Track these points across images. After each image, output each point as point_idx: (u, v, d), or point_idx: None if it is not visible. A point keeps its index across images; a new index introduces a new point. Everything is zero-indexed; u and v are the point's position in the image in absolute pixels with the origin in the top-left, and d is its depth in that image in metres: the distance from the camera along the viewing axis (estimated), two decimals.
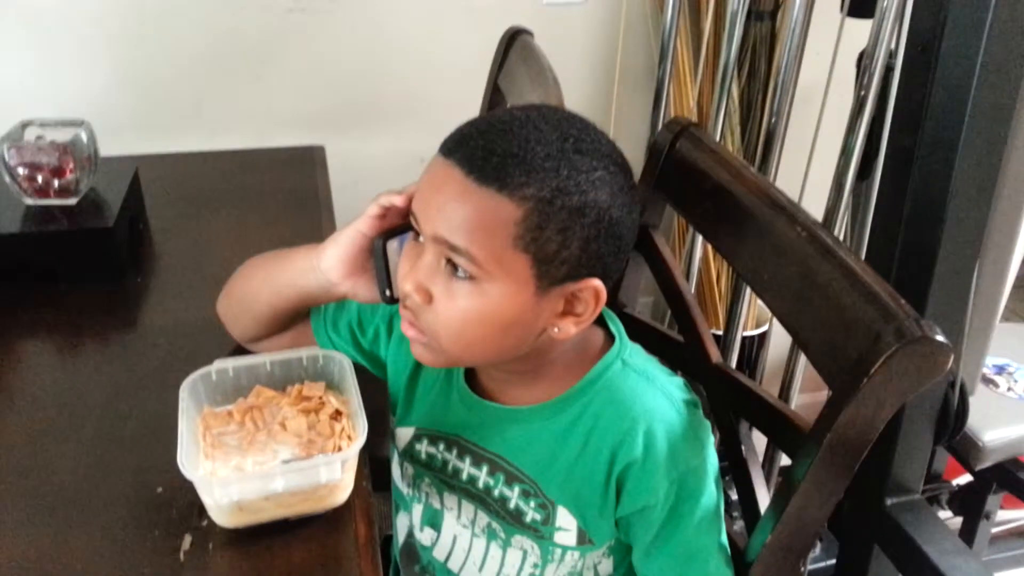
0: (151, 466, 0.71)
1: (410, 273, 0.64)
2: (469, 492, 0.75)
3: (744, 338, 1.64)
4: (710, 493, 0.69)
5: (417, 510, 0.80)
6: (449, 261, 0.62)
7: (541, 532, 0.72)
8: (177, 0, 1.36)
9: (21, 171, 0.96)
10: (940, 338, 0.59)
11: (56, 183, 0.97)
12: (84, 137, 0.99)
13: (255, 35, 1.42)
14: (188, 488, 0.64)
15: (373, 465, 0.74)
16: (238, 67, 1.44)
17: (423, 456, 0.77)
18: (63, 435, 0.76)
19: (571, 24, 1.52)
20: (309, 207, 1.18)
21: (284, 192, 1.23)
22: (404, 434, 0.79)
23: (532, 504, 0.71)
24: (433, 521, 0.78)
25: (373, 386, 0.80)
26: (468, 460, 0.74)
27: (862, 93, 1.15)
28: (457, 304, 0.63)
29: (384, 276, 0.69)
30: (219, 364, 0.72)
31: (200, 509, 0.65)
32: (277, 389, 0.73)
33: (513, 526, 0.73)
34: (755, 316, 1.70)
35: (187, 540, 0.64)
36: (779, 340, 1.69)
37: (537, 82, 1.13)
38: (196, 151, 1.31)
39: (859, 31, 1.19)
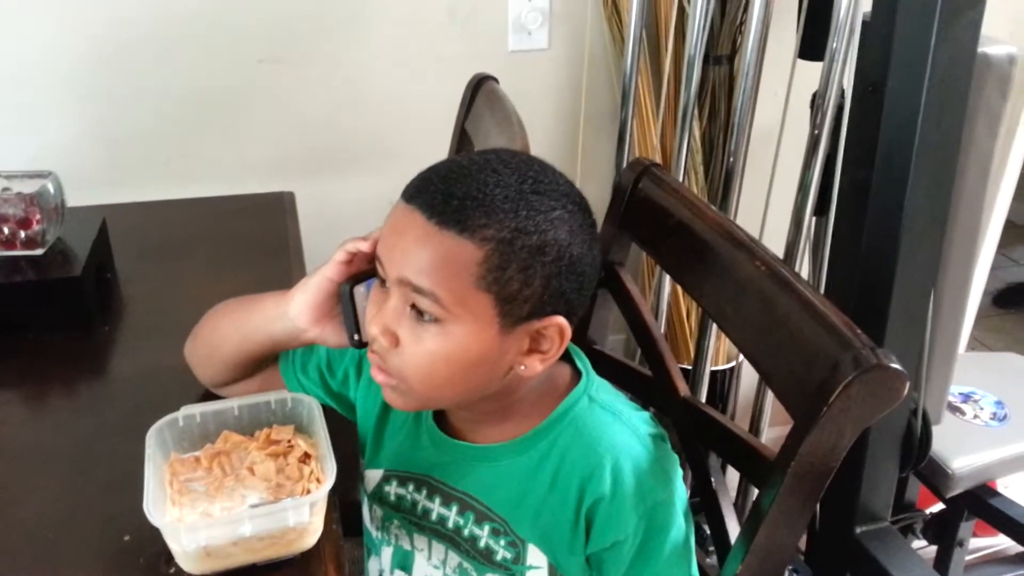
0: (119, 514, 0.70)
1: (376, 317, 0.65)
2: (439, 532, 0.74)
3: (715, 372, 1.66)
4: (679, 526, 0.69)
5: (387, 553, 0.79)
6: (414, 305, 0.63)
7: (512, 571, 0.72)
8: (148, 51, 1.38)
9: None
10: (896, 366, 0.61)
11: (23, 234, 0.97)
12: (51, 188, 0.99)
13: (226, 85, 1.44)
14: (156, 535, 0.63)
15: (345, 509, 0.74)
16: (209, 116, 1.45)
17: (392, 498, 0.77)
18: (30, 485, 0.75)
19: (536, 70, 1.56)
20: (278, 253, 1.18)
21: (253, 238, 1.23)
22: (373, 476, 0.79)
23: (502, 543, 0.71)
24: (403, 563, 0.78)
25: (344, 430, 0.81)
26: (438, 500, 0.74)
27: (816, 131, 1.19)
28: (423, 346, 0.63)
29: (352, 321, 0.70)
30: (186, 410, 0.71)
31: (168, 556, 0.64)
32: (245, 434, 0.72)
33: (484, 565, 0.73)
34: (725, 351, 1.72)
35: None
36: (749, 375, 1.71)
37: (503, 127, 1.15)
38: (165, 199, 1.31)
39: (812, 72, 1.24)
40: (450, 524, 0.74)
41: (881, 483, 1.08)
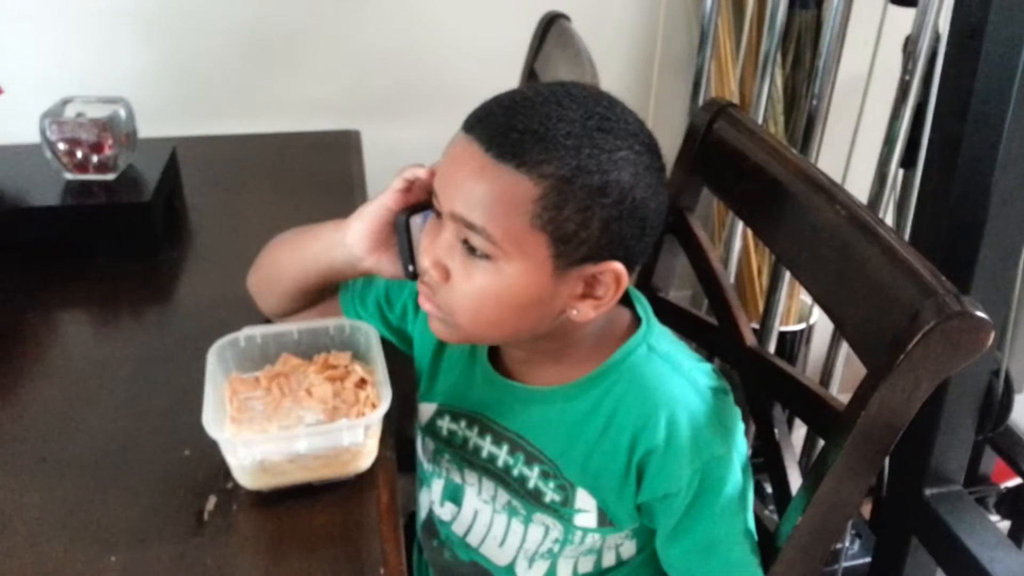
0: (180, 430, 0.71)
1: (428, 249, 0.64)
2: (488, 470, 0.74)
3: (783, 333, 1.62)
4: (735, 481, 0.67)
5: (437, 485, 0.79)
6: (467, 240, 0.61)
7: (560, 513, 0.71)
8: None
9: (61, 146, 0.98)
10: (981, 314, 0.57)
11: (95, 159, 0.99)
12: (123, 114, 1.01)
13: (294, 21, 1.44)
14: (215, 451, 0.64)
15: (400, 445, 0.74)
16: (277, 52, 1.46)
17: (444, 432, 0.77)
18: (95, 401, 0.77)
19: (610, 9, 1.51)
20: (342, 190, 1.18)
21: (319, 175, 1.23)
22: (426, 409, 0.79)
23: (551, 485, 0.70)
24: (454, 496, 0.78)
25: (402, 368, 0.80)
26: (488, 438, 0.74)
27: (906, 78, 1.12)
28: (473, 283, 0.62)
29: (407, 252, 0.69)
30: (247, 331, 0.72)
31: (226, 471, 0.65)
32: (304, 358, 0.73)
33: (533, 505, 0.72)
34: (796, 311, 1.67)
35: (211, 501, 0.65)
36: (820, 337, 1.66)
37: (573, 66, 1.12)
38: (233, 134, 1.32)
39: (905, 17, 1.16)
40: (500, 463, 0.73)
41: (956, 445, 1.03)
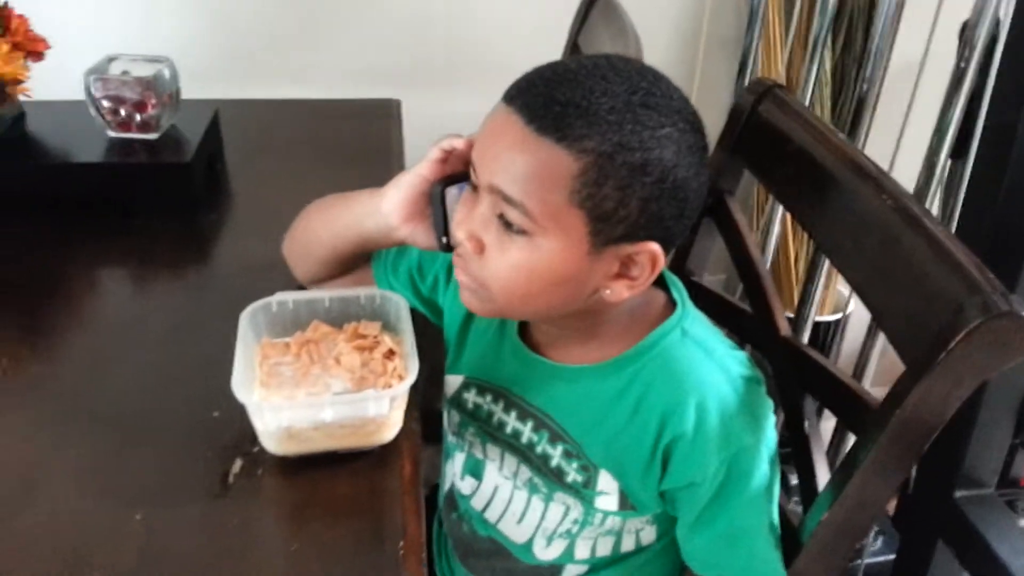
0: (210, 392, 0.71)
1: (464, 221, 0.63)
2: (512, 446, 0.74)
3: (818, 323, 1.59)
4: (762, 473, 0.66)
5: (459, 458, 0.79)
6: (503, 214, 0.60)
7: (582, 494, 0.70)
8: None
9: (105, 103, 0.98)
10: None
11: (138, 117, 1.00)
12: (167, 74, 1.01)
13: None
14: (243, 414, 0.65)
15: (427, 417, 0.74)
16: (321, 19, 1.45)
17: (469, 405, 0.77)
18: (127, 358, 0.78)
19: None
20: (382, 159, 1.18)
21: (359, 143, 1.23)
22: (453, 381, 0.79)
23: (574, 465, 0.70)
24: (475, 470, 0.78)
25: (433, 339, 0.80)
26: (514, 414, 0.73)
27: (962, 65, 1.08)
28: (508, 257, 0.61)
29: (441, 223, 0.68)
30: (280, 296, 0.72)
31: (253, 436, 0.66)
32: (334, 325, 0.73)
33: (555, 484, 0.72)
34: (832, 301, 1.64)
35: (237, 464, 0.66)
36: (855, 328, 1.63)
37: (617, 40, 1.10)
38: (275, 98, 1.33)
39: (963, 3, 1.12)
40: (524, 439, 0.73)
41: (991, 447, 1.00)
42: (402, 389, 0.63)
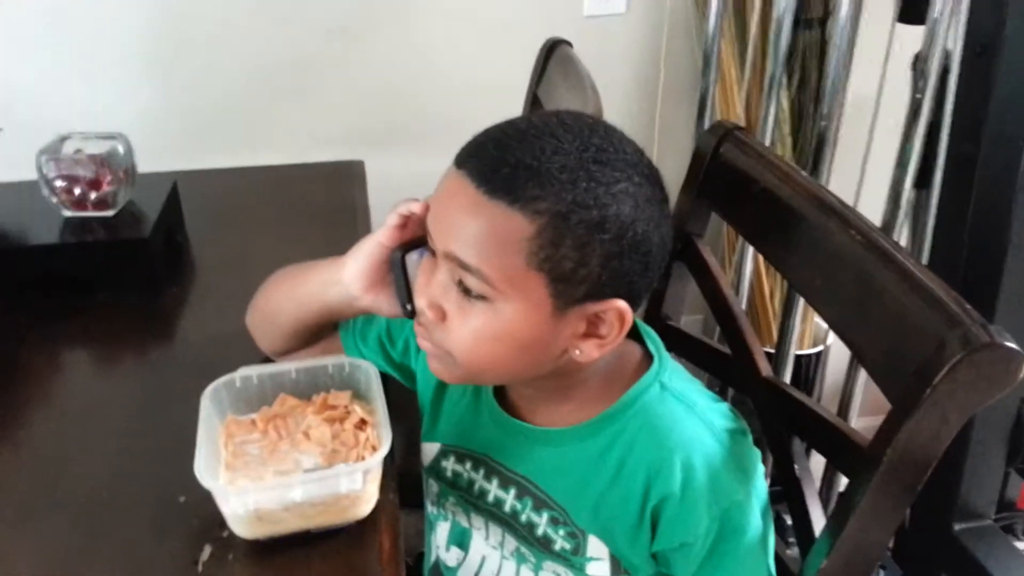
0: (176, 476, 0.68)
1: (423, 290, 0.61)
2: (495, 515, 0.71)
3: (799, 357, 1.58)
4: (756, 526, 0.64)
5: (443, 528, 0.76)
6: (460, 280, 0.58)
7: (571, 562, 0.67)
8: (217, 19, 1.38)
9: (59, 183, 0.96)
10: (1012, 345, 0.54)
11: (93, 195, 0.98)
12: (121, 150, 0.99)
13: (296, 55, 1.43)
14: (211, 498, 0.62)
15: (407, 481, 0.71)
16: (280, 86, 1.45)
17: (448, 474, 0.74)
18: (92, 442, 0.75)
19: (613, 35, 1.50)
20: (346, 221, 1.16)
21: (323, 206, 1.22)
22: (430, 449, 0.76)
23: (561, 532, 0.67)
24: (460, 540, 0.75)
25: (408, 402, 0.78)
26: (495, 481, 0.71)
27: (917, 96, 1.10)
28: (469, 324, 0.59)
29: (404, 289, 0.66)
30: (243, 371, 0.70)
31: (222, 520, 0.63)
32: (302, 398, 0.70)
33: (543, 552, 0.69)
34: (811, 334, 1.63)
35: (207, 551, 0.62)
36: (837, 359, 1.62)
37: (575, 92, 1.10)
38: (236, 167, 1.31)
39: (912, 34, 1.14)
40: (507, 508, 0.70)
41: (985, 478, 0.99)
42: (375, 461, 0.61)
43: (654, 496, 0.63)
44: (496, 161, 0.56)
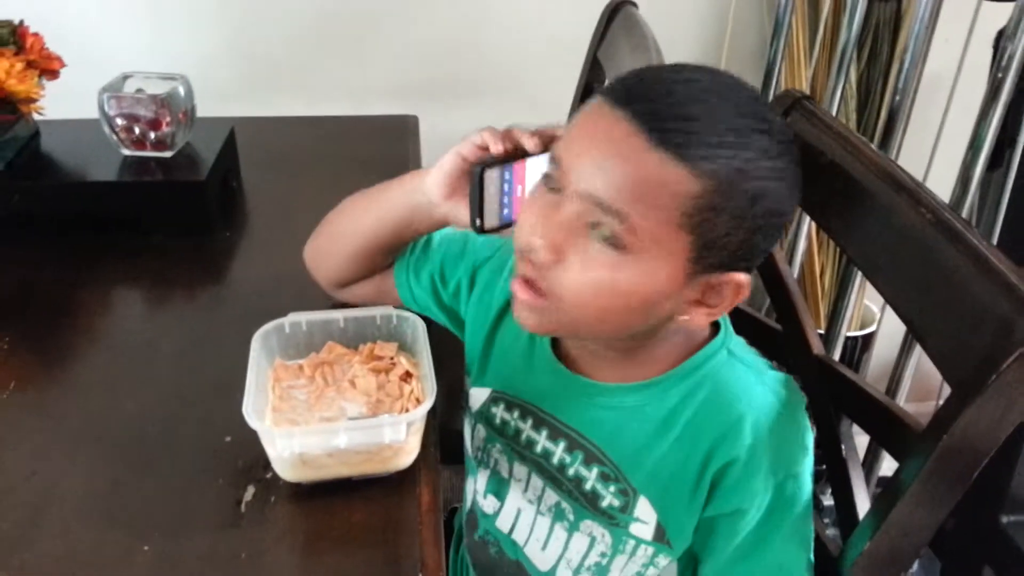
0: (223, 415, 0.70)
1: (542, 227, 0.56)
2: (541, 466, 0.70)
3: (846, 339, 1.55)
4: (805, 504, 0.63)
5: (482, 476, 0.76)
6: (597, 224, 0.55)
7: (617, 520, 0.67)
8: None
9: (119, 121, 0.97)
10: None
11: (152, 135, 0.98)
12: (181, 91, 1.00)
13: (357, 6, 1.42)
14: (257, 440, 0.62)
15: (446, 436, 0.71)
16: (337, 35, 1.44)
17: (497, 421, 0.73)
18: (140, 380, 0.76)
19: None
20: (399, 174, 1.15)
21: (376, 159, 1.21)
22: (479, 395, 0.75)
23: (612, 489, 0.66)
24: (497, 491, 0.74)
25: (452, 356, 0.78)
26: (544, 432, 0.70)
27: (999, 75, 1.05)
28: (592, 272, 0.56)
29: (477, 204, 0.65)
30: (293, 317, 0.70)
31: (266, 462, 0.63)
32: (349, 347, 0.71)
33: (585, 509, 0.68)
34: (859, 316, 1.60)
35: (250, 491, 0.63)
36: (885, 343, 1.58)
37: (639, 53, 1.08)
38: (292, 115, 1.32)
39: (993, 13, 1.09)
40: (555, 460, 0.69)
41: None
42: (419, 414, 0.61)
43: (718, 460, 0.62)
44: (666, 109, 0.53)
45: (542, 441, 0.70)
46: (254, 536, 0.60)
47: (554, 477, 0.69)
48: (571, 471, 0.68)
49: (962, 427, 0.56)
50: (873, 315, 1.67)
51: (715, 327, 0.66)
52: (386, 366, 0.68)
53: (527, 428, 0.71)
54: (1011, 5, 1.05)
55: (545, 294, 0.58)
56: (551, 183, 0.58)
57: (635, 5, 1.20)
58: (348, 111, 1.39)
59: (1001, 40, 1.06)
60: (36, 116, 1.01)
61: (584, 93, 1.25)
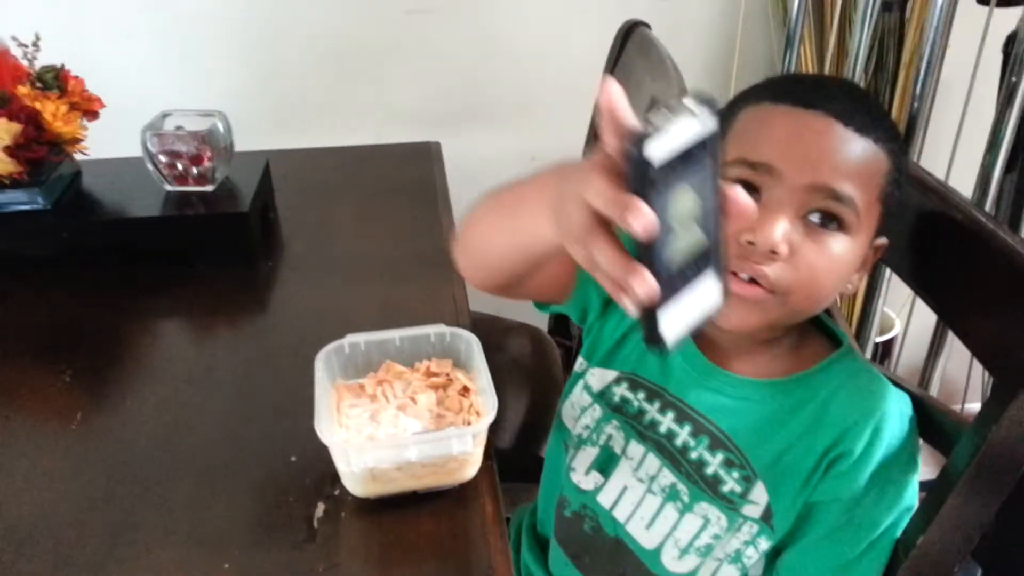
0: (285, 436, 0.72)
1: (775, 227, 0.59)
2: (662, 447, 0.71)
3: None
4: (900, 514, 0.66)
5: (589, 453, 0.75)
6: (823, 211, 0.61)
7: (735, 504, 0.68)
8: (305, 5, 1.41)
9: (162, 158, 1.00)
10: None
11: (194, 170, 1.01)
12: (220, 127, 1.03)
13: (376, 36, 1.46)
14: (321, 457, 0.65)
15: (527, 459, 0.72)
16: (360, 67, 1.48)
17: (616, 399, 0.75)
18: (197, 407, 0.78)
19: (687, 17, 1.49)
20: (427, 198, 1.19)
21: (403, 184, 1.24)
22: (603, 375, 0.76)
23: (735, 475, 0.68)
24: (603, 467, 0.74)
25: (543, 398, 0.77)
26: (670, 415, 0.71)
27: (1013, 79, 1.08)
28: (826, 255, 0.62)
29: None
30: (351, 338, 0.72)
31: (333, 478, 0.66)
32: (405, 365, 0.73)
33: (704, 492, 0.69)
34: (880, 322, 1.61)
35: (320, 508, 0.65)
36: (913, 347, 1.60)
37: (657, 72, 1.11)
38: (320, 147, 1.35)
39: (1002, 18, 1.12)
40: (678, 442, 0.71)
41: None
42: (484, 425, 0.63)
43: (838, 448, 0.65)
44: (853, 101, 0.63)
45: (667, 422, 0.72)
46: (329, 550, 0.62)
47: (674, 458, 0.71)
48: (694, 454, 0.70)
49: (1007, 421, 0.58)
50: (892, 321, 1.68)
51: (825, 330, 0.72)
52: (443, 382, 0.70)
53: (652, 409, 0.72)
54: (1020, 10, 1.07)
55: (772, 289, 0.62)
56: (750, 183, 0.62)
57: (648, 26, 1.23)
58: (367, 140, 1.42)
59: (1011, 45, 1.09)
60: (79, 156, 1.04)
61: None
